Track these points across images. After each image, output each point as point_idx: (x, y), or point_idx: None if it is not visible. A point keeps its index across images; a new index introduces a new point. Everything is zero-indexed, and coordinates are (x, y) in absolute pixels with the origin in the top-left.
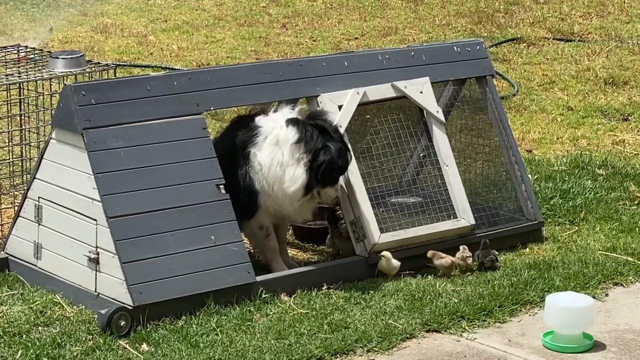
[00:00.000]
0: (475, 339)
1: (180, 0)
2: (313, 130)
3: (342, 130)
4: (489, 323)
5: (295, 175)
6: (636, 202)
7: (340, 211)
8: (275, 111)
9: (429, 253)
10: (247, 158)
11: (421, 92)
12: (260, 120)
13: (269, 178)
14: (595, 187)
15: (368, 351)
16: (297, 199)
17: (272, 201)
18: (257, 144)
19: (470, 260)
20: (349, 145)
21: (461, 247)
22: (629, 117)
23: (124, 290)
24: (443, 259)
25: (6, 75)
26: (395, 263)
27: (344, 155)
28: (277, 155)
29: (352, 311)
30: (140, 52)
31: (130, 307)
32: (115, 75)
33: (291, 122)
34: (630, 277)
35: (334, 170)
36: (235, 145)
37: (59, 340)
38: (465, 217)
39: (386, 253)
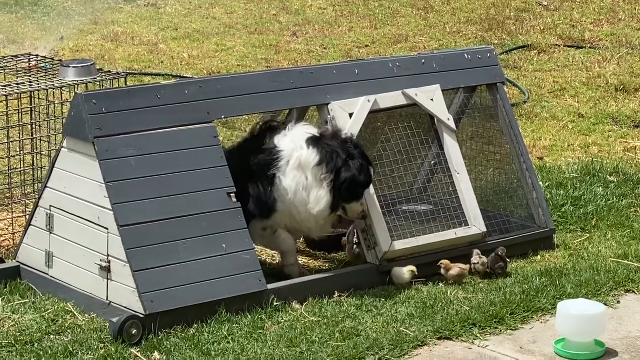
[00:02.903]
0: (487, 346)
1: (191, 8)
2: (333, 149)
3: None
4: (501, 330)
5: (319, 196)
6: None
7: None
8: (290, 129)
9: (443, 264)
10: (272, 181)
11: (432, 100)
12: (279, 141)
13: (296, 201)
14: (607, 195)
15: (380, 359)
16: (323, 218)
17: (293, 220)
18: (280, 168)
19: (484, 265)
20: (369, 159)
21: (474, 252)
22: None
23: (136, 299)
24: (451, 270)
25: (17, 84)
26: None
27: (366, 171)
28: (301, 179)
29: (363, 319)
30: (151, 60)
31: (141, 316)
32: (126, 84)
33: (311, 142)
34: None
35: (358, 186)
36: (256, 166)
37: (71, 349)
38: (476, 225)
39: (413, 268)
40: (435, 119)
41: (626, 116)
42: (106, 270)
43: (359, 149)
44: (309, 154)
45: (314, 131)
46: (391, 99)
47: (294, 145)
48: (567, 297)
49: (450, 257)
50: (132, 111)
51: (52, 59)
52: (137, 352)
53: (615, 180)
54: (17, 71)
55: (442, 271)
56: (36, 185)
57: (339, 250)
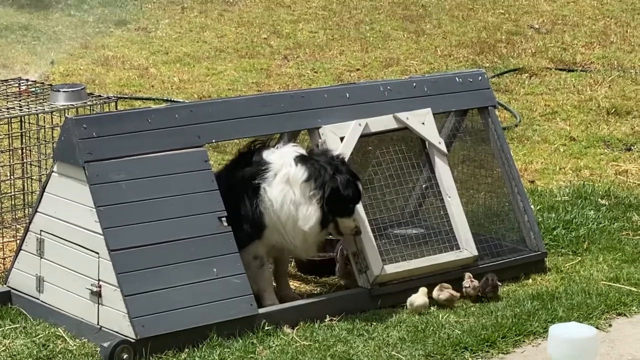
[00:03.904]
0: None
1: (182, 32)
2: (321, 166)
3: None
4: (492, 354)
5: (308, 213)
6: (639, 232)
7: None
8: (279, 147)
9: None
10: (256, 191)
11: (423, 124)
12: (268, 155)
13: (282, 215)
14: (598, 218)
15: None
16: (314, 235)
17: (280, 236)
18: (267, 179)
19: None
20: (359, 177)
21: (466, 276)
22: (632, 147)
23: (127, 323)
24: (441, 293)
25: (7, 109)
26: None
27: (353, 185)
28: (288, 193)
29: (355, 343)
30: (142, 84)
31: (132, 340)
32: (116, 108)
33: (300, 159)
34: (634, 308)
35: (346, 200)
36: (243, 178)
37: None
38: (467, 248)
39: (424, 289)
40: (427, 143)
41: (618, 139)
42: (97, 294)
43: (345, 165)
44: (297, 170)
45: (302, 151)
46: (382, 122)
47: (283, 161)
48: (558, 321)
49: (442, 281)
50: (122, 135)
51: (43, 83)
52: None
53: (607, 203)
54: (7, 95)
55: (466, 281)
56: (27, 209)
57: (330, 274)
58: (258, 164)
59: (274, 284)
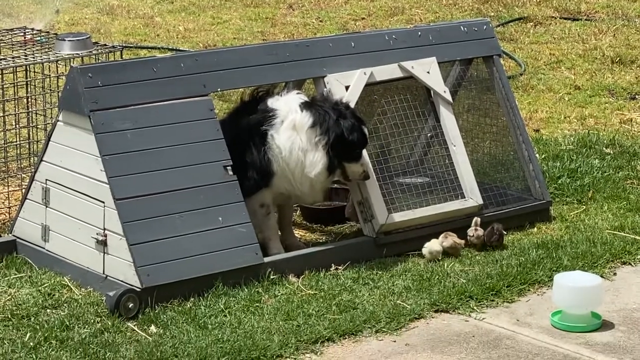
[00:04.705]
0: (483, 318)
1: None
2: (325, 111)
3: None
4: (497, 303)
5: (315, 160)
6: None
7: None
8: (283, 94)
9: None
10: (264, 138)
11: (428, 72)
12: (273, 102)
13: (291, 162)
14: (603, 166)
15: (376, 332)
16: (321, 181)
17: (288, 183)
18: (274, 126)
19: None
20: (364, 121)
21: (473, 222)
22: (637, 96)
23: (132, 272)
24: (445, 240)
25: (13, 58)
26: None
27: (358, 129)
28: (296, 140)
29: (360, 292)
30: (147, 33)
31: (138, 289)
32: (121, 57)
33: (305, 106)
34: (639, 256)
35: (351, 145)
36: (248, 126)
37: (67, 323)
38: (473, 197)
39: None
40: (432, 92)
41: (622, 88)
42: (102, 243)
43: (350, 110)
44: (302, 116)
45: (305, 98)
46: (387, 71)
47: (289, 107)
48: (563, 269)
49: (447, 230)
50: (128, 84)
51: (48, 32)
52: (134, 325)
53: (612, 152)
54: (13, 44)
55: (470, 230)
56: (32, 158)
57: (335, 223)
58: (264, 111)
59: (279, 233)
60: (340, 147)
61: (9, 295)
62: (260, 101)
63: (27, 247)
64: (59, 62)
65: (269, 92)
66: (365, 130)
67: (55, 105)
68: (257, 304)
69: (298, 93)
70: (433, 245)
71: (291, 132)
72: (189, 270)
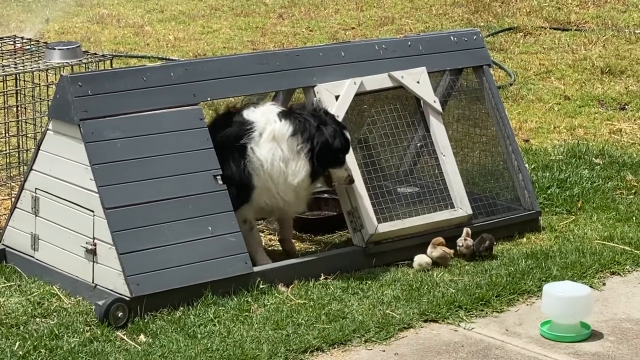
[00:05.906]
0: (472, 328)
1: None
2: (305, 119)
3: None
4: (487, 313)
5: (297, 168)
6: (633, 191)
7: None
8: (257, 106)
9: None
10: (242, 152)
11: (418, 82)
12: (249, 114)
13: (273, 173)
14: (592, 177)
15: (366, 341)
16: (304, 188)
17: (271, 195)
18: (253, 139)
19: (469, 248)
20: (345, 126)
21: (464, 232)
22: (626, 106)
23: (122, 281)
24: (434, 250)
25: (2, 67)
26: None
27: (340, 135)
28: (277, 151)
29: (349, 301)
30: (137, 42)
31: (127, 298)
32: (111, 66)
33: (283, 115)
34: (628, 266)
35: (332, 151)
36: (226, 140)
37: (57, 332)
38: (462, 207)
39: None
40: (422, 101)
41: (612, 98)
42: (92, 252)
43: (329, 115)
44: (282, 125)
45: (282, 108)
46: (377, 81)
47: (266, 118)
48: (552, 279)
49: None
50: (117, 93)
51: (38, 41)
52: (123, 334)
53: (601, 162)
54: (2, 53)
55: (460, 240)
56: (22, 167)
57: (324, 233)
58: (241, 124)
59: (279, 236)
60: (325, 155)
61: None
62: (235, 113)
63: (16, 256)
64: (48, 70)
65: (242, 106)
66: (348, 135)
67: (45, 114)
68: (246, 314)
69: (272, 104)
70: (422, 258)
71: (272, 143)
72: (179, 279)
